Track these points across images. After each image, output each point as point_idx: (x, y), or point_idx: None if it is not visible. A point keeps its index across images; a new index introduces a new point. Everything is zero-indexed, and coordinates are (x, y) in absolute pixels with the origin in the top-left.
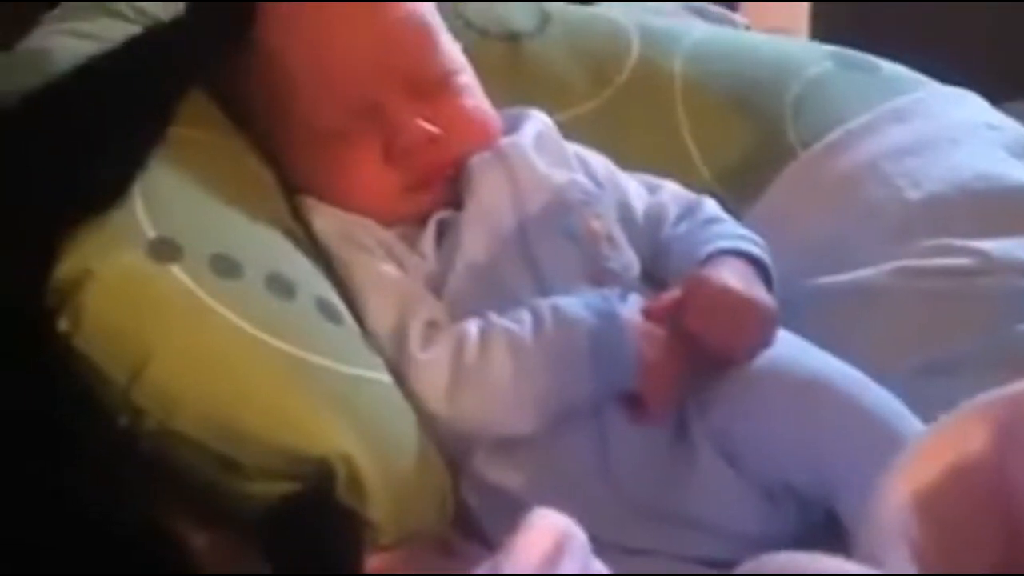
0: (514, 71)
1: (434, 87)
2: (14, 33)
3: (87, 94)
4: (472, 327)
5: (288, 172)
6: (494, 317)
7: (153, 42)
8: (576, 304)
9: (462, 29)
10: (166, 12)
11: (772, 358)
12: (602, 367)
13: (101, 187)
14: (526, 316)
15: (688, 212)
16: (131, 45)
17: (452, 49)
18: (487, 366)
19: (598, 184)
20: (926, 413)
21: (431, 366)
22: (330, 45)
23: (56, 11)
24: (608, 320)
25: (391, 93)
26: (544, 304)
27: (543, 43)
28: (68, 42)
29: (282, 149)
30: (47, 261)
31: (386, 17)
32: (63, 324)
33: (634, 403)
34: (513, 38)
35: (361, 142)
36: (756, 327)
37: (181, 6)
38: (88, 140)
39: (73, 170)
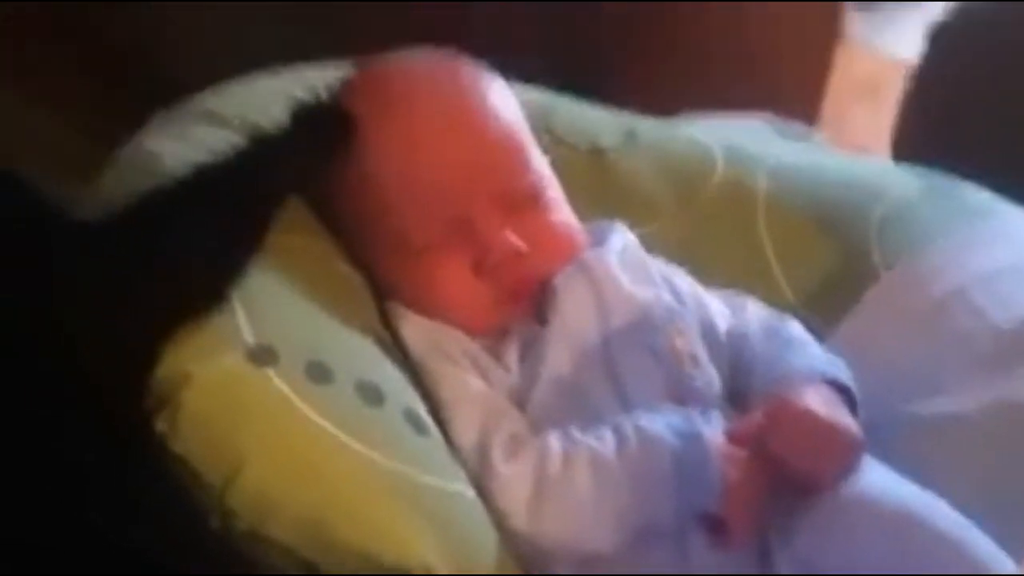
0: (598, 185)
1: (523, 202)
2: (120, 135)
3: (190, 200)
4: (555, 442)
5: (378, 280)
6: (577, 433)
7: (255, 152)
8: (660, 423)
9: (548, 142)
10: (269, 122)
11: (859, 486)
12: (685, 488)
13: (202, 291)
14: (609, 434)
15: (772, 332)
16: (234, 154)
17: (541, 163)
18: (569, 482)
19: (681, 301)
20: (1020, 555)
21: (513, 480)
22: (423, 160)
23: (161, 115)
24: (692, 441)
25: (482, 208)
26: (627, 422)
27: (628, 158)
28: (174, 147)
29: (373, 258)
30: (148, 362)
31: (479, 133)
32: (161, 425)
33: (716, 526)
34: (598, 152)
35: (451, 255)
36: (842, 453)
37: (283, 117)
38: (189, 245)
39: (175, 274)
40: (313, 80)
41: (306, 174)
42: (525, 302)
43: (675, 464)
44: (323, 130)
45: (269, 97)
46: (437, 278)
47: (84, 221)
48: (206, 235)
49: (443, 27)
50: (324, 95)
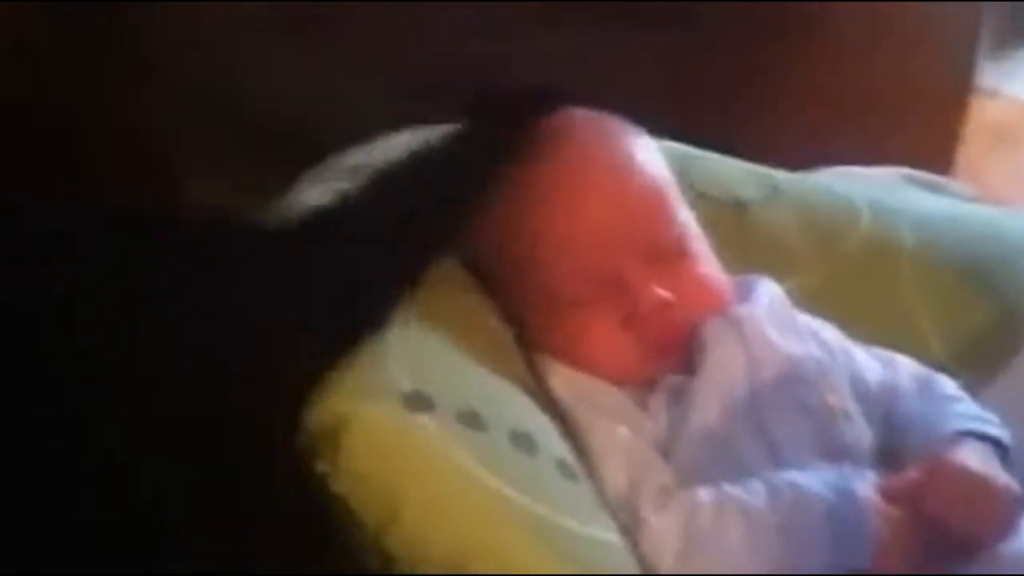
0: (741, 238)
1: (670, 254)
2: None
3: (353, 231)
4: (705, 495)
5: (526, 333)
6: (728, 486)
7: (417, 186)
8: (813, 480)
9: (690, 195)
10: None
11: (1017, 545)
12: (838, 546)
13: (363, 325)
14: (761, 488)
15: (923, 388)
16: (411, 161)
17: (687, 216)
18: (720, 535)
19: (831, 355)
20: None
21: (663, 531)
22: (575, 216)
23: (310, 174)
24: (846, 497)
25: (630, 262)
26: (780, 478)
27: (771, 211)
28: (326, 200)
29: (522, 312)
30: (303, 397)
31: (629, 188)
32: (322, 466)
33: None
34: (741, 206)
35: (599, 309)
36: (1000, 512)
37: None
38: (351, 279)
39: (337, 308)
40: (450, 136)
41: (487, 170)
42: (672, 353)
43: (829, 519)
44: (504, 123)
45: None
46: (585, 331)
47: (258, 234)
48: (368, 269)
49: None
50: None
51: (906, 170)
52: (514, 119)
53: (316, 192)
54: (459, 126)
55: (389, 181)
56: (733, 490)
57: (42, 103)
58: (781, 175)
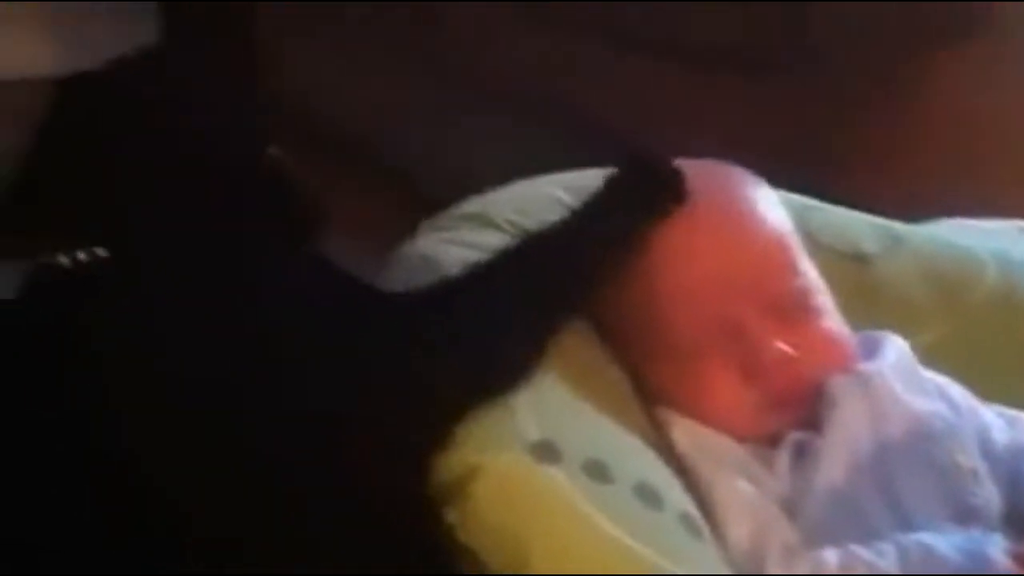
0: (863, 293)
1: (793, 307)
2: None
3: (502, 274)
4: (832, 556)
5: (645, 383)
6: (855, 547)
7: (576, 216)
8: (943, 542)
9: (810, 248)
10: (533, 224)
11: None
12: None
13: (504, 374)
14: (890, 550)
15: None
16: (552, 223)
17: (809, 269)
18: None
19: (958, 413)
20: None
21: None
22: (699, 266)
23: (428, 222)
24: (978, 562)
25: (752, 313)
26: (909, 540)
27: (893, 264)
28: (447, 249)
29: (641, 361)
30: (440, 443)
31: (752, 238)
32: (451, 516)
33: None
34: (862, 259)
35: (720, 360)
36: None
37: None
38: (496, 327)
39: (481, 356)
40: (575, 184)
41: (628, 234)
42: (793, 409)
43: None
44: (647, 187)
45: (531, 199)
46: (705, 383)
47: (392, 294)
48: (516, 311)
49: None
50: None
51: (1020, 222)
52: (659, 187)
53: (434, 240)
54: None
55: (526, 244)
56: (861, 551)
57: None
58: (901, 227)
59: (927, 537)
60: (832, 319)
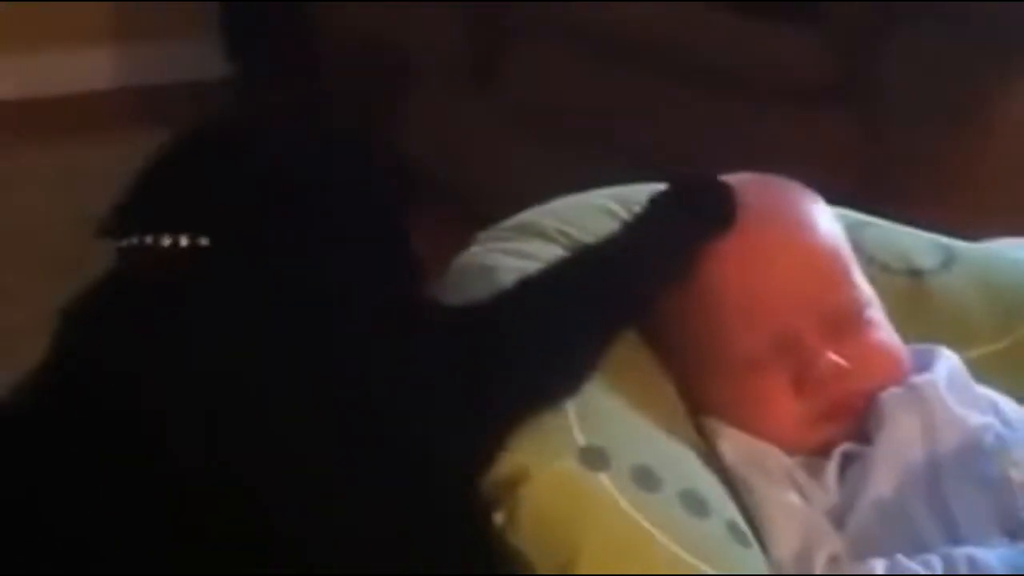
0: (917, 308)
1: (847, 320)
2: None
3: (564, 287)
4: (879, 565)
5: (695, 393)
6: (903, 559)
7: (635, 235)
8: (992, 556)
9: (864, 263)
10: (583, 234)
11: None
12: None
13: (560, 387)
14: (937, 562)
15: None
16: (612, 239)
17: (863, 282)
18: None
19: (1011, 428)
20: None
21: None
22: (757, 278)
23: (484, 234)
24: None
25: (807, 325)
26: (958, 553)
27: (947, 281)
28: (506, 260)
29: (692, 371)
30: (499, 445)
31: (809, 251)
32: (500, 518)
33: None
34: (916, 274)
35: (773, 371)
36: None
37: (601, 229)
38: (559, 335)
39: (538, 369)
40: (624, 196)
41: (685, 252)
42: (845, 421)
43: None
44: (704, 205)
45: (584, 212)
46: (757, 394)
47: (451, 306)
48: (576, 324)
49: (724, 151)
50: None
51: None
52: (711, 202)
53: (488, 250)
54: (646, 203)
55: (583, 256)
56: (908, 563)
57: None
58: (955, 243)
59: (974, 550)
60: (885, 332)
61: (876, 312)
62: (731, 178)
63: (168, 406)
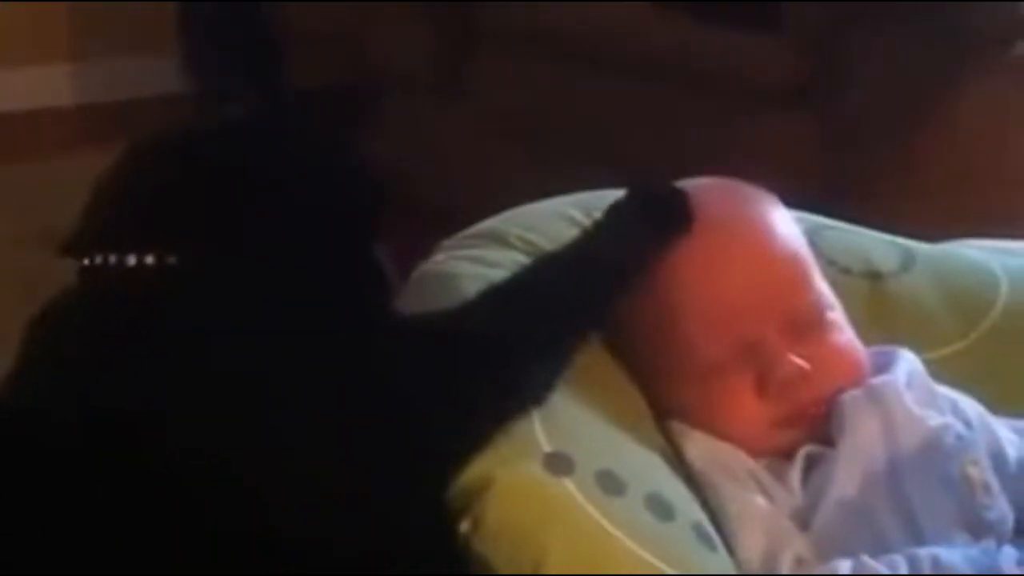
0: (878, 310)
1: (807, 323)
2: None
3: (525, 297)
4: (844, 567)
5: (661, 399)
6: (867, 559)
7: (593, 241)
8: (956, 555)
9: (824, 266)
10: (545, 241)
11: None
12: None
13: (533, 390)
14: (901, 562)
15: None
16: (569, 247)
17: (823, 286)
18: None
19: (971, 428)
20: None
21: None
22: (717, 283)
23: (447, 242)
24: (986, 567)
25: (769, 329)
26: (923, 553)
27: (907, 283)
28: (468, 268)
29: (656, 376)
30: (466, 458)
31: (768, 256)
32: (465, 526)
33: None
34: (876, 277)
35: (736, 375)
36: None
37: (563, 237)
38: (521, 347)
39: (513, 375)
40: (587, 204)
41: (644, 258)
42: (808, 423)
43: None
44: (661, 211)
45: (546, 219)
46: (721, 398)
47: (414, 321)
48: (538, 334)
49: (687, 154)
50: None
51: None
52: (665, 210)
53: (450, 258)
54: (611, 212)
55: (542, 268)
56: (872, 563)
57: None
58: (914, 244)
59: (939, 549)
60: (846, 334)
61: (837, 315)
62: (690, 183)
63: (138, 422)
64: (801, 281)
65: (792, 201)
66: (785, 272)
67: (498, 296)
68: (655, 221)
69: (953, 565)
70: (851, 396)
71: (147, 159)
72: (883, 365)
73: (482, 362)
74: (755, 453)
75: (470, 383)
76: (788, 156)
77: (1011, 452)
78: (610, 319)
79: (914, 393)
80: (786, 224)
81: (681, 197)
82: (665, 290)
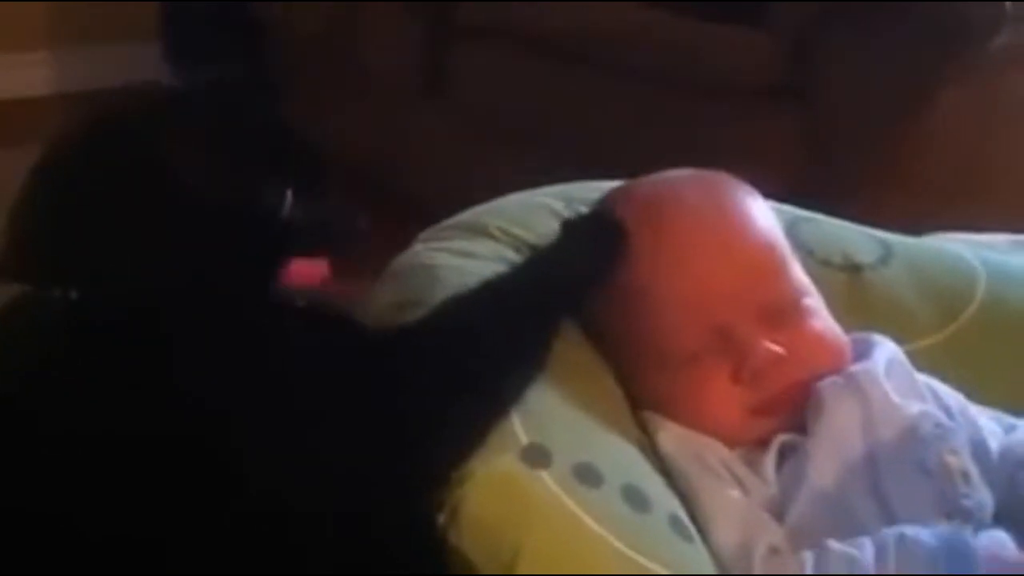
0: (856, 302)
1: (783, 311)
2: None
3: (483, 317)
4: (809, 558)
5: (636, 390)
6: (834, 544)
7: (536, 268)
8: (922, 531)
9: (803, 258)
10: (529, 233)
11: None
12: None
13: (496, 407)
14: (867, 543)
15: None
16: (515, 271)
17: (799, 272)
18: None
19: (951, 416)
20: None
21: None
22: (690, 273)
23: (427, 232)
24: (955, 547)
25: (744, 317)
26: (888, 533)
27: (885, 275)
28: (447, 259)
29: (632, 369)
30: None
31: (743, 245)
32: (442, 518)
33: None
34: (854, 269)
35: (711, 363)
36: None
37: (543, 227)
38: (489, 359)
39: (479, 389)
40: (568, 195)
41: (584, 286)
42: (784, 412)
43: (931, 561)
44: (599, 241)
45: (527, 210)
46: (696, 386)
47: (383, 335)
48: (501, 349)
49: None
50: (589, 210)
51: (1012, 236)
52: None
53: (428, 249)
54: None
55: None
56: (839, 547)
57: None
58: (893, 237)
59: (905, 528)
60: (823, 320)
61: (813, 301)
62: (667, 174)
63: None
64: (775, 268)
65: (773, 197)
66: (758, 259)
67: (470, 299)
68: (591, 248)
69: (919, 541)
70: (830, 383)
71: (54, 175)
72: (862, 352)
73: (464, 363)
74: (731, 442)
75: (455, 384)
76: (770, 152)
77: (992, 442)
78: (587, 310)
79: (893, 381)
80: (761, 213)
81: (614, 222)
82: (640, 282)
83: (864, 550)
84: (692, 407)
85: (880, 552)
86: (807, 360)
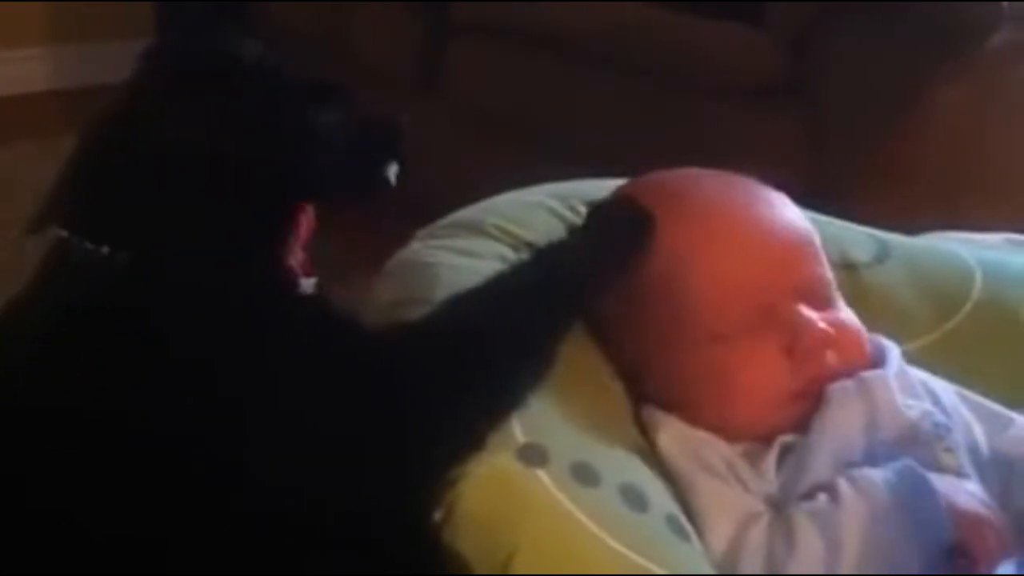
0: (853, 301)
1: (821, 296)
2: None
3: (495, 310)
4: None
5: (650, 381)
6: (792, 508)
7: (555, 257)
8: (873, 470)
9: None
10: (527, 231)
11: None
12: (910, 515)
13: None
14: (820, 495)
15: None
16: (532, 260)
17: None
18: (799, 548)
19: (947, 415)
20: None
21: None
22: (736, 251)
23: (425, 230)
24: (906, 473)
25: (788, 296)
26: (838, 479)
27: (882, 274)
28: (446, 257)
29: (649, 357)
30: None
31: (782, 228)
32: (437, 515)
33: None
34: (851, 268)
35: (754, 343)
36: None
37: (541, 226)
38: (496, 357)
39: (488, 386)
40: (564, 193)
41: (606, 276)
42: (807, 405)
43: (893, 494)
44: (629, 228)
45: (524, 209)
46: (736, 366)
47: (383, 333)
48: (505, 348)
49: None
50: (609, 202)
51: (1009, 235)
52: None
53: (427, 247)
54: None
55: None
56: (795, 509)
57: None
58: (890, 236)
59: (854, 471)
60: (852, 314)
61: (839, 294)
62: (678, 170)
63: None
64: (814, 253)
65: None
66: (798, 244)
67: (474, 298)
68: (614, 238)
69: (868, 473)
70: (840, 386)
71: (101, 145)
72: (876, 357)
73: (468, 362)
74: (738, 434)
75: (458, 383)
76: (769, 151)
77: (985, 440)
78: (591, 308)
79: (900, 385)
80: (785, 200)
81: (643, 212)
82: (666, 264)
83: (819, 501)
84: (724, 387)
85: (834, 496)
86: (848, 348)
